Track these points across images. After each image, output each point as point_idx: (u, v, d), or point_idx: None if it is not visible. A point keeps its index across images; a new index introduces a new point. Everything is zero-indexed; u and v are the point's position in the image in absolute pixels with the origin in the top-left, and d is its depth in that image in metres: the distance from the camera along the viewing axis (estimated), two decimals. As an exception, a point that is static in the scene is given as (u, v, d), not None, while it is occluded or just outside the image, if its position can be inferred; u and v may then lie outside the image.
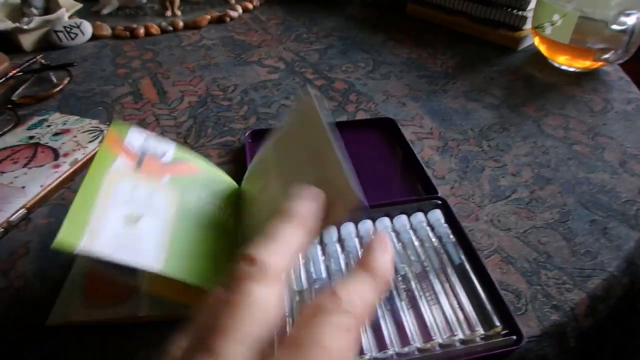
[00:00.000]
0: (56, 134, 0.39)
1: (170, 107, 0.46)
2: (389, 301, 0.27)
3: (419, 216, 0.32)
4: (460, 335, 0.26)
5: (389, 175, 0.38)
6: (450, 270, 0.29)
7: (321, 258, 0.30)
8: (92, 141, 0.39)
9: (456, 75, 0.54)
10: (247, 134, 0.40)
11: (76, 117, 0.41)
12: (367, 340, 0.25)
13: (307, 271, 0.29)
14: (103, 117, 0.44)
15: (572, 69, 0.55)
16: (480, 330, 0.26)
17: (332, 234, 0.31)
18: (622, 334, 0.36)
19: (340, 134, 0.42)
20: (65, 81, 0.48)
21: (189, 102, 0.47)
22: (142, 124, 0.44)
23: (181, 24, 0.60)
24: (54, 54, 0.54)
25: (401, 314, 0.26)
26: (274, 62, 0.55)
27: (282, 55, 0.56)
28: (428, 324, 0.26)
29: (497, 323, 0.26)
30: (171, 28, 0.59)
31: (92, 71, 0.52)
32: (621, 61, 0.51)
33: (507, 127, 0.45)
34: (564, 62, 0.54)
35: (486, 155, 0.42)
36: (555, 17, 0.51)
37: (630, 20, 0.45)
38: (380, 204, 0.33)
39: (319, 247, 0.30)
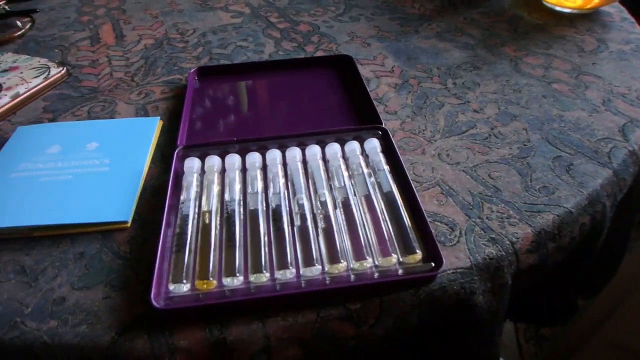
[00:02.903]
0: (4, 70, 0.39)
1: (125, 49, 0.45)
2: (300, 224, 0.25)
3: (353, 145, 0.30)
4: (372, 261, 0.24)
5: (335, 109, 0.36)
6: (377, 198, 0.27)
7: (238, 184, 0.28)
8: (37, 77, 0.38)
9: (434, 17, 0.50)
10: (192, 70, 0.39)
11: (27, 56, 0.41)
12: (265, 258, 0.23)
13: (222, 194, 0.27)
14: (57, 57, 0.44)
15: (566, 10, 0.49)
16: (395, 257, 0.24)
17: (255, 160, 0.29)
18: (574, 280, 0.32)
19: (294, 71, 0.40)
20: (27, 27, 0.48)
21: (145, 45, 0.46)
22: (94, 64, 0.43)
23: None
24: (23, 4, 0.54)
25: (310, 237, 0.24)
26: (240, 8, 0.52)
27: (249, 0, 0.54)
28: (338, 248, 0.24)
29: (416, 250, 0.24)
30: (141, -23, 0.58)
31: (56, 19, 0.51)
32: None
33: (478, 66, 0.41)
34: (555, 1, 0.49)
35: (449, 92, 0.38)
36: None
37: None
38: (312, 132, 0.31)
39: (238, 172, 0.28)
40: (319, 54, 0.43)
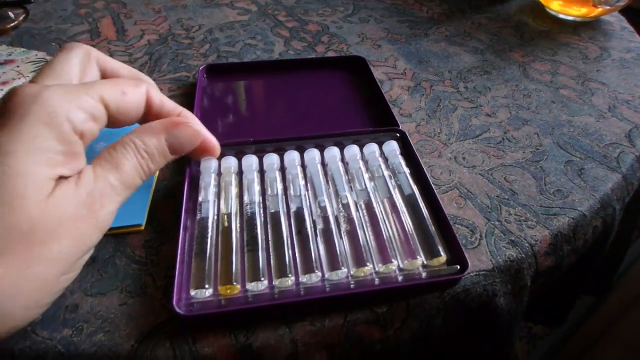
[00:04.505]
0: None
1: (128, 45, 0.43)
2: (323, 226, 0.25)
3: (372, 147, 0.30)
4: (397, 263, 0.24)
5: (349, 110, 0.35)
6: (398, 201, 0.27)
7: (257, 186, 0.27)
8: (34, 71, 0.37)
9: (442, 21, 0.50)
10: (201, 68, 0.38)
11: (23, 49, 0.39)
12: (290, 262, 0.23)
13: (240, 196, 0.27)
14: (55, 51, 0.42)
15: (569, 18, 0.50)
16: (420, 259, 0.24)
17: (273, 161, 0.28)
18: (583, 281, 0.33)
19: (306, 70, 0.40)
20: (20, 18, 0.46)
21: (149, 40, 0.44)
22: (96, 59, 0.41)
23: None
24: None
25: (334, 239, 0.24)
26: (246, 5, 0.51)
27: (255, -2, 0.53)
28: (363, 251, 0.24)
29: (441, 252, 0.24)
30: (141, -30, 0.56)
31: (52, 10, 0.49)
32: (622, 2, 0.46)
33: (488, 71, 0.42)
34: (559, 8, 0.50)
35: (461, 96, 0.38)
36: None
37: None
38: (331, 133, 0.30)
39: (256, 174, 0.28)
40: (330, 54, 0.43)
